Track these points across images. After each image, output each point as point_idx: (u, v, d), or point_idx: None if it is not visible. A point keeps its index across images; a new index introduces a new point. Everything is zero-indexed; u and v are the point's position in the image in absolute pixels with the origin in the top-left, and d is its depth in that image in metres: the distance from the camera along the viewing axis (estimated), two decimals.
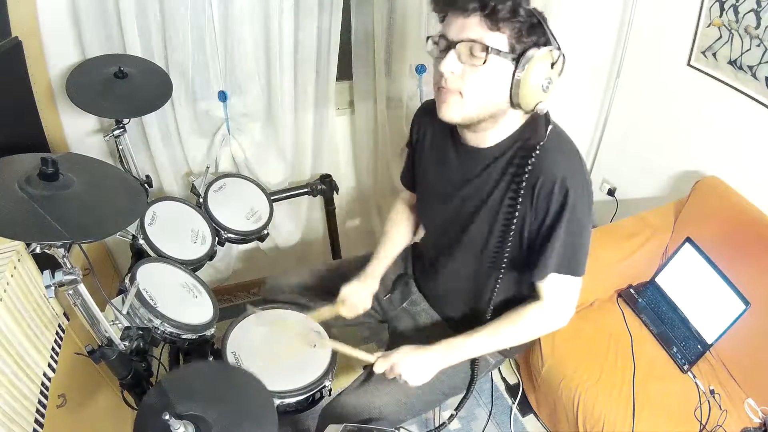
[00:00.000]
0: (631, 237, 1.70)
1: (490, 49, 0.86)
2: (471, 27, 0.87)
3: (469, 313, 1.22)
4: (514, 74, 0.88)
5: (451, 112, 0.94)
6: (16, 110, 1.33)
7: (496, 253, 1.06)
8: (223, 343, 1.14)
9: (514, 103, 0.91)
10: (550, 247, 0.97)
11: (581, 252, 1.00)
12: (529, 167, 0.94)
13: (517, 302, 1.10)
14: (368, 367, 1.19)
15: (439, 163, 1.12)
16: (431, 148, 1.14)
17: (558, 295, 1.04)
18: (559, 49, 0.89)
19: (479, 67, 0.87)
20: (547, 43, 0.87)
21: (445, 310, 1.27)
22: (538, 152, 0.93)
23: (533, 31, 0.87)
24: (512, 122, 0.99)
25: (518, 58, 0.87)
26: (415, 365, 1.06)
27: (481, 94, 0.91)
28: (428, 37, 0.94)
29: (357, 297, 1.21)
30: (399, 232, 1.33)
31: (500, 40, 0.86)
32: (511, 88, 0.89)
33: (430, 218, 1.22)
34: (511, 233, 1.01)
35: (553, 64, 0.88)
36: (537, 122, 0.98)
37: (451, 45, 0.89)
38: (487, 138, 1.01)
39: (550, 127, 0.94)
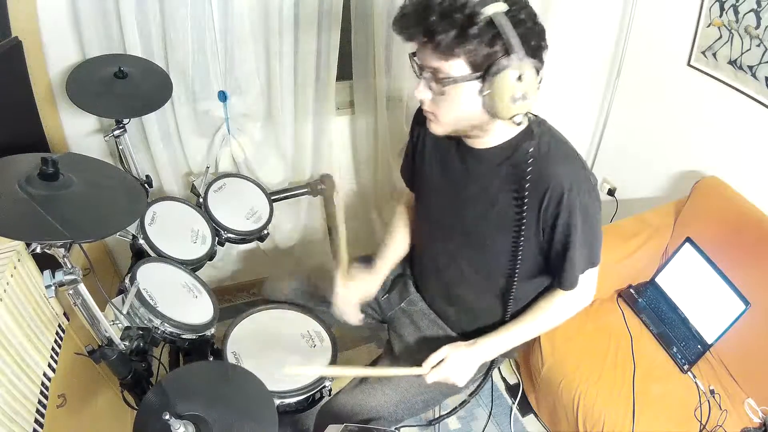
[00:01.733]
0: (631, 237, 1.70)
1: (447, 79, 0.85)
2: (428, 55, 0.86)
3: (470, 317, 1.22)
4: (482, 91, 0.86)
5: (433, 129, 0.98)
6: (16, 110, 1.34)
7: (504, 261, 1.06)
8: (223, 343, 1.14)
9: (492, 116, 0.90)
10: (572, 257, 0.99)
11: (598, 245, 1.03)
12: (529, 175, 0.94)
13: (532, 301, 1.13)
14: (374, 362, 1.19)
15: (442, 164, 1.12)
16: (433, 148, 1.14)
17: (582, 286, 1.07)
18: (531, 56, 0.83)
19: (445, 94, 0.88)
20: (510, 51, 0.81)
21: (447, 312, 1.26)
22: (530, 161, 0.94)
23: (496, 41, 0.81)
24: (510, 125, 0.99)
25: (484, 75, 0.84)
26: (466, 368, 1.08)
27: (454, 115, 0.92)
28: (410, 55, 0.92)
29: (361, 292, 1.22)
30: (403, 231, 1.32)
31: (458, 65, 0.84)
32: (483, 104, 0.88)
33: (431, 221, 1.20)
34: (521, 246, 1.02)
35: (519, 77, 0.82)
36: (534, 126, 0.98)
37: (420, 70, 0.90)
38: (486, 141, 1.01)
39: (538, 133, 0.95)
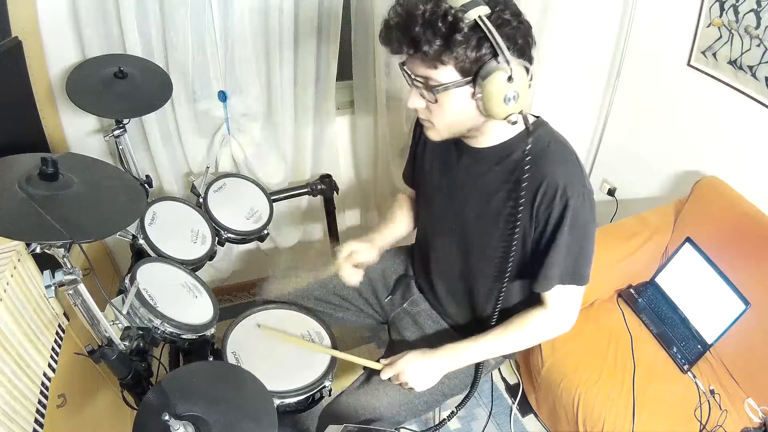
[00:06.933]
0: (631, 237, 1.70)
1: (437, 88, 0.86)
2: (416, 65, 0.86)
3: (471, 317, 1.22)
4: (474, 95, 0.86)
5: (431, 137, 0.99)
6: (16, 110, 1.33)
7: (499, 259, 1.06)
8: (223, 343, 1.14)
9: (487, 117, 0.90)
10: (552, 258, 0.97)
11: (585, 261, 1.00)
12: (526, 174, 0.94)
13: (522, 307, 1.10)
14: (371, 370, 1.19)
15: (441, 164, 1.13)
16: (434, 148, 1.14)
17: (562, 304, 1.05)
18: (518, 57, 0.83)
19: (437, 101, 0.88)
20: (497, 53, 0.81)
21: (448, 312, 1.27)
22: (528, 159, 0.93)
23: (482, 45, 0.81)
24: (508, 125, 0.99)
25: (474, 79, 0.84)
26: (421, 372, 1.06)
27: (448, 121, 0.93)
28: (400, 65, 0.92)
29: (361, 256, 1.20)
30: (404, 215, 1.33)
31: (447, 72, 0.84)
32: (477, 106, 0.88)
33: (431, 220, 1.21)
34: (514, 244, 1.01)
35: (510, 78, 0.82)
36: (536, 127, 0.98)
37: (411, 80, 0.89)
38: (485, 140, 1.01)
39: (538, 134, 0.95)
